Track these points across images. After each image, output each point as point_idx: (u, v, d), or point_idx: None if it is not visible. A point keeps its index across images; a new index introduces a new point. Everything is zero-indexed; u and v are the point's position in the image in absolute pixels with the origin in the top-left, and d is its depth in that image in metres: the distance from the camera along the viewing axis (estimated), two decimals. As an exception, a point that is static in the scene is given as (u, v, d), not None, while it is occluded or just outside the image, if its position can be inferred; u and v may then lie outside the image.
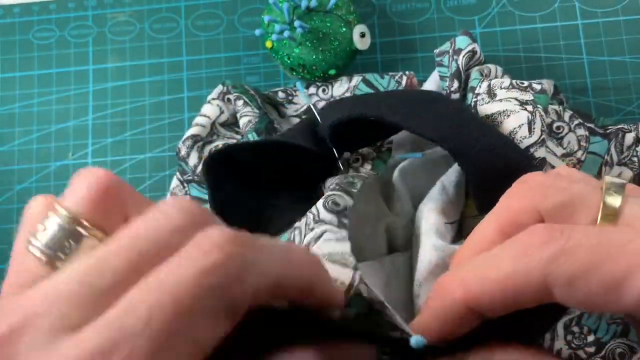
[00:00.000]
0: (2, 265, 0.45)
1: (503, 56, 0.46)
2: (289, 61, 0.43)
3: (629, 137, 0.37)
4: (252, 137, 0.38)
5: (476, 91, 0.36)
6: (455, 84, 0.37)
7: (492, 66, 0.38)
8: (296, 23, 0.40)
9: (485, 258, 0.19)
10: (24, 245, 0.16)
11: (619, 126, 0.38)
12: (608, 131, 0.38)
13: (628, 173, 0.36)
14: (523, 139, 0.32)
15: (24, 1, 0.50)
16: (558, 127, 0.37)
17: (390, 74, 0.41)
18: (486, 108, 0.34)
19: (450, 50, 0.39)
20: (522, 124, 0.32)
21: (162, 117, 0.47)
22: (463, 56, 0.37)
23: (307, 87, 0.42)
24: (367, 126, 0.33)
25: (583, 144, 0.37)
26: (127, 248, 0.15)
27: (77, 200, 0.16)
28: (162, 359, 0.13)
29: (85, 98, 0.48)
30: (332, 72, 0.43)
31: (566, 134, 0.37)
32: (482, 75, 0.37)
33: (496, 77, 0.38)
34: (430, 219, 0.31)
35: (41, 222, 0.16)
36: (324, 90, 0.42)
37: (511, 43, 0.46)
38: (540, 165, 0.32)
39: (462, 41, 0.38)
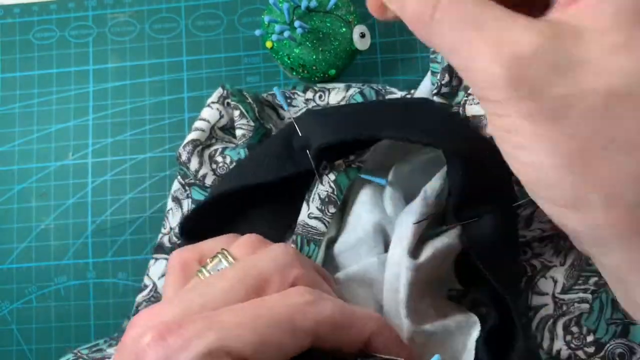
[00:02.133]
0: (2, 265, 0.46)
1: (503, 56, 0.46)
2: (289, 61, 0.43)
3: None
4: (244, 152, 0.38)
5: (469, 90, 0.36)
6: (446, 77, 0.37)
7: None
8: (296, 23, 0.40)
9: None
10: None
11: None
12: None
13: None
14: None
15: (24, 1, 0.50)
16: None
17: (387, 90, 0.41)
18: (474, 108, 0.34)
19: None
20: None
21: (162, 117, 0.47)
22: None
23: (305, 92, 0.42)
24: (353, 142, 0.33)
25: None
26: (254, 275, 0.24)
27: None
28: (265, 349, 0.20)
29: (85, 98, 0.48)
30: (332, 72, 0.43)
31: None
32: None
33: None
34: (403, 228, 0.31)
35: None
36: (320, 97, 0.42)
37: (511, 43, 0.46)
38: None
39: None
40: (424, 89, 0.41)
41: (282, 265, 0.23)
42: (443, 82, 0.37)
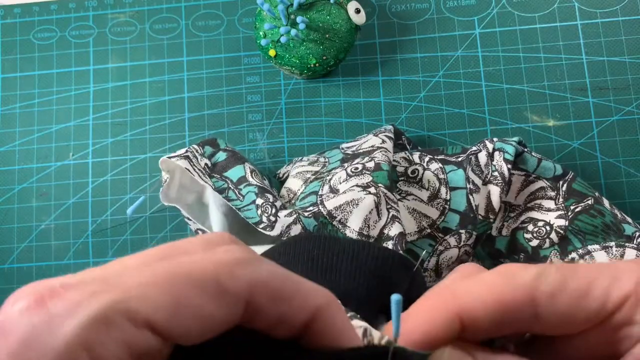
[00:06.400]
0: (2, 265, 0.46)
1: (503, 56, 0.46)
2: (298, 61, 0.43)
3: (482, 157, 0.38)
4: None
5: (319, 192, 0.36)
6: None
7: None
8: (298, 19, 0.41)
9: (474, 279, 0.21)
10: None
11: (468, 151, 0.39)
12: (460, 159, 0.38)
13: (495, 189, 0.37)
14: (375, 223, 0.34)
15: (24, 1, 0.50)
16: (413, 172, 0.39)
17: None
18: (334, 202, 0.35)
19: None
20: (372, 209, 0.34)
21: (162, 118, 0.47)
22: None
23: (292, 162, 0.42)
24: None
25: (441, 175, 0.38)
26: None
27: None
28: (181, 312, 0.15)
29: (86, 98, 0.48)
30: (341, 55, 0.44)
31: (422, 174, 0.38)
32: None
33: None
34: None
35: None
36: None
37: (511, 43, 0.46)
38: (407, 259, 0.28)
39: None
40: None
41: (209, 239, 0.18)
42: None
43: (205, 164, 0.39)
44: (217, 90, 0.47)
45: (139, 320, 0.15)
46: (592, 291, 0.19)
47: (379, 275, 0.24)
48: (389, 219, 0.34)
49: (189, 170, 0.37)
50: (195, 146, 0.40)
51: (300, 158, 0.44)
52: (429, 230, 0.37)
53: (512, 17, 0.47)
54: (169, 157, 0.38)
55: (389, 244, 0.34)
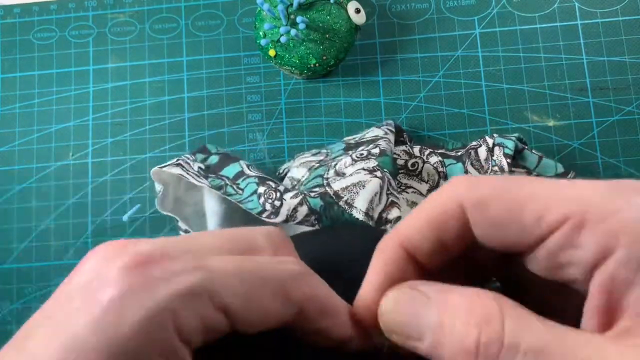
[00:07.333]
0: (2, 265, 0.46)
1: (503, 56, 0.46)
2: (298, 61, 0.43)
3: (482, 152, 0.38)
4: None
5: (324, 175, 0.37)
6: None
7: None
8: (298, 19, 0.41)
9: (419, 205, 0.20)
10: None
11: (468, 146, 0.39)
12: (459, 154, 0.39)
13: None
14: (376, 206, 0.34)
15: (24, 1, 0.50)
16: (413, 164, 0.39)
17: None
18: (340, 183, 0.35)
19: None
20: (377, 192, 0.34)
21: (162, 118, 0.47)
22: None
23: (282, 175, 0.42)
24: None
25: (440, 169, 0.38)
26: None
27: None
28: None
29: (85, 98, 0.48)
30: (341, 55, 0.43)
31: (422, 167, 0.39)
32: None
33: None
34: None
35: None
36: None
37: (511, 43, 0.46)
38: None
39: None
40: None
41: (276, 240, 0.21)
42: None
43: (199, 167, 0.39)
44: (217, 90, 0.47)
45: (218, 302, 0.17)
46: (528, 204, 0.17)
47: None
48: (387, 204, 0.34)
49: (183, 176, 0.37)
50: (187, 155, 0.40)
51: (301, 153, 0.44)
52: None
53: (512, 17, 0.47)
54: (160, 168, 0.38)
55: (388, 227, 0.34)
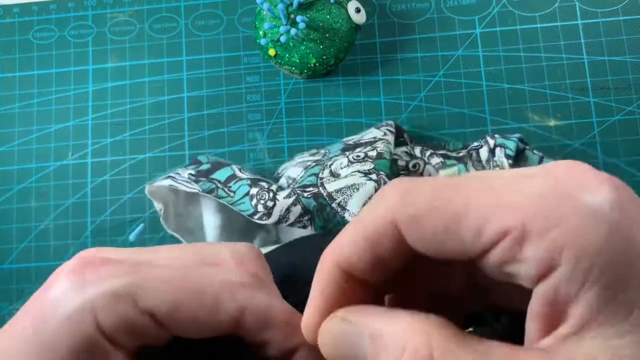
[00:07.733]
0: (1, 265, 0.45)
1: (503, 56, 0.46)
2: (298, 61, 0.43)
3: (484, 152, 0.38)
4: None
5: (319, 175, 0.37)
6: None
7: None
8: (298, 18, 0.41)
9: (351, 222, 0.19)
10: None
11: (469, 147, 0.39)
12: (461, 155, 0.39)
13: None
14: None
15: (23, 1, 0.50)
16: (414, 165, 0.39)
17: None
18: (334, 185, 0.35)
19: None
20: (372, 195, 0.34)
21: (161, 117, 0.47)
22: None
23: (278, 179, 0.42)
24: None
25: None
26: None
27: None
28: None
29: (85, 98, 0.48)
30: (341, 55, 0.43)
31: (424, 168, 0.38)
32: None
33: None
34: None
35: None
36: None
37: (511, 43, 0.46)
38: None
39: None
40: None
41: (242, 254, 0.21)
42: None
43: (190, 174, 0.39)
44: (217, 90, 0.47)
45: (144, 307, 0.18)
46: (466, 217, 0.16)
47: None
48: None
49: (173, 185, 0.37)
50: (178, 170, 0.40)
51: (301, 153, 0.44)
52: None
53: (512, 17, 0.46)
54: (152, 184, 0.38)
55: None
